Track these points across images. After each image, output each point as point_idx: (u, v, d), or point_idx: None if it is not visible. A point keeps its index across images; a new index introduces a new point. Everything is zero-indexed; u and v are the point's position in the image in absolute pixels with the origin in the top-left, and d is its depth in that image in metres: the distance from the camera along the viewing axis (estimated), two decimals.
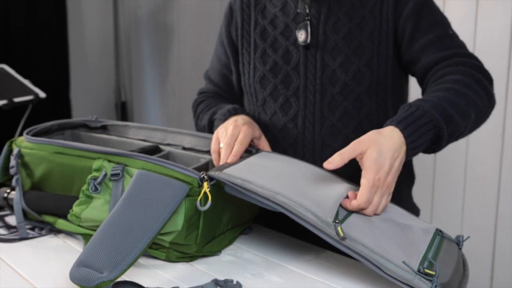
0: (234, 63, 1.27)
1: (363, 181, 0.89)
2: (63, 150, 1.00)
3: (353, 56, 1.12)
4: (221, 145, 1.05)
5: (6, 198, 1.06)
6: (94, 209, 0.93)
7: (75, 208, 0.94)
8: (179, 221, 0.86)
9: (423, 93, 1.11)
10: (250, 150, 1.08)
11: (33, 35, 3.11)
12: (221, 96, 1.32)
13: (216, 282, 0.82)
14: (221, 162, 1.02)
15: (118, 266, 0.75)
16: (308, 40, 1.13)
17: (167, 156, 1.12)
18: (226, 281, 0.83)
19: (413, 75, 1.16)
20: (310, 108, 1.15)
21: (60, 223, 0.99)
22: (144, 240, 0.79)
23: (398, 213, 0.94)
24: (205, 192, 0.86)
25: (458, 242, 0.94)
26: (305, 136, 1.16)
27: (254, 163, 0.97)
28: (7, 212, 1.14)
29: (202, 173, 0.87)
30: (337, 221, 0.82)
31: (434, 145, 0.98)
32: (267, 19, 1.20)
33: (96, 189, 0.93)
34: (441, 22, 1.12)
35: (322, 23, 1.13)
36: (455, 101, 0.97)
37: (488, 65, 1.12)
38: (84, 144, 1.00)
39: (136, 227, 0.80)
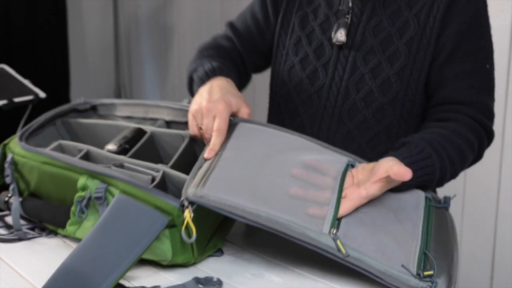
0: (272, 28, 1.19)
1: (357, 199, 0.85)
2: (51, 161, 0.97)
3: (385, 62, 1.06)
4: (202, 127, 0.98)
5: (7, 202, 1.05)
6: (86, 229, 0.91)
7: (69, 228, 0.93)
8: (167, 251, 0.84)
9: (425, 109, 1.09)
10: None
11: (33, 35, 3.11)
12: (229, 50, 1.21)
13: (197, 280, 0.82)
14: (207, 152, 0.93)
15: None
16: (344, 40, 1.08)
17: (152, 138, 1.10)
18: (206, 278, 0.82)
19: (427, 93, 1.09)
20: (330, 110, 1.10)
21: (61, 231, 0.98)
22: (113, 275, 0.74)
23: (388, 190, 0.91)
24: (188, 222, 0.81)
25: (446, 205, 0.93)
26: (318, 138, 1.08)
27: (232, 162, 0.90)
28: (7, 212, 1.13)
29: (183, 200, 0.82)
30: (334, 232, 0.80)
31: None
32: (311, 6, 1.14)
33: (83, 212, 0.91)
34: (484, 51, 1.06)
35: (362, 24, 1.08)
36: (457, 165, 0.99)
37: None
38: (69, 158, 0.97)
39: (107, 260, 0.75)
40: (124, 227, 0.80)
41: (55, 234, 1.03)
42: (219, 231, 0.96)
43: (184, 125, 1.12)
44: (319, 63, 1.11)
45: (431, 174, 0.93)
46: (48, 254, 0.95)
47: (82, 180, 0.91)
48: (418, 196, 0.93)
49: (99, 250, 0.77)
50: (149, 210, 0.82)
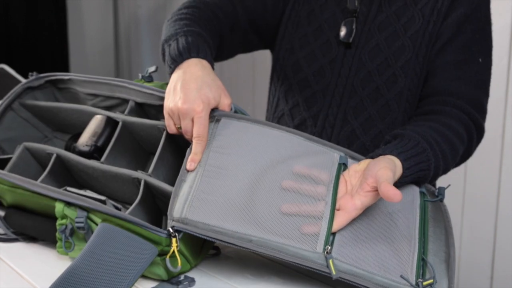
0: (279, 10, 1.13)
1: (352, 211, 0.81)
2: (20, 188, 0.90)
3: (391, 58, 1.05)
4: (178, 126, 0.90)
5: None
6: (78, 252, 0.86)
7: (59, 250, 0.88)
8: (162, 275, 0.82)
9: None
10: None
11: (33, 35, 3.11)
12: (211, 14, 1.09)
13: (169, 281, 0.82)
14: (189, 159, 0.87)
15: None
16: (351, 39, 1.06)
17: (125, 130, 1.00)
18: (178, 277, 0.82)
19: None
20: (334, 108, 1.08)
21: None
22: None
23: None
24: (174, 252, 0.79)
25: (441, 197, 0.92)
26: (321, 137, 1.09)
27: (216, 171, 0.85)
28: None
29: (168, 230, 0.79)
30: (327, 250, 0.78)
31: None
32: (319, 1, 1.12)
33: (69, 242, 0.86)
34: (478, 45, 1.04)
35: (369, 21, 1.06)
36: (448, 159, 0.95)
37: None
38: (36, 184, 0.89)
39: (102, 285, 0.71)
40: (112, 256, 0.75)
41: None
42: None
43: (158, 108, 1.00)
44: (325, 60, 1.09)
45: (425, 170, 0.90)
46: (48, 254, 0.95)
47: (59, 208, 0.85)
48: (413, 192, 0.91)
49: (88, 280, 0.72)
50: (137, 239, 0.78)
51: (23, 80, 2.22)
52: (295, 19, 1.13)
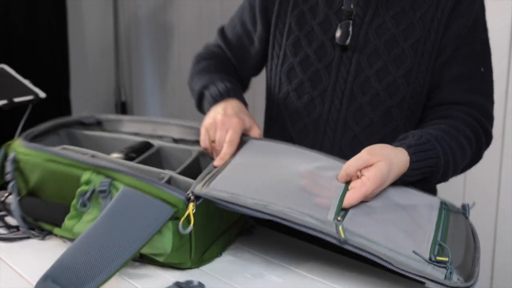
0: (259, 37, 1.17)
1: (361, 187, 0.84)
2: (55, 158, 0.98)
3: (391, 64, 1.03)
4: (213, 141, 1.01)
5: (3, 202, 1.05)
6: (85, 223, 0.91)
7: (67, 222, 0.93)
8: (167, 244, 0.84)
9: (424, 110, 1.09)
10: None
11: (33, 35, 3.11)
12: (225, 60, 1.22)
13: (178, 284, 0.81)
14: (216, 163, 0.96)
15: (85, 286, 0.71)
16: (348, 42, 1.05)
17: (158, 152, 1.10)
18: (187, 282, 0.82)
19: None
20: (334, 114, 1.07)
21: (57, 230, 0.98)
22: (117, 262, 0.75)
23: (400, 192, 0.90)
24: (188, 214, 0.82)
25: (464, 212, 0.91)
26: (323, 144, 1.09)
27: (242, 165, 0.93)
28: (4, 212, 1.13)
29: (188, 193, 0.84)
30: (338, 219, 0.80)
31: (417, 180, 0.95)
32: (308, 3, 1.10)
33: (85, 205, 0.91)
34: (480, 54, 1.06)
35: (365, 24, 1.05)
36: (458, 158, 0.98)
37: None
38: (75, 154, 0.98)
39: (111, 247, 0.76)
40: (130, 217, 0.80)
41: (55, 235, 1.03)
42: (218, 242, 0.95)
43: (193, 143, 1.13)
44: (321, 65, 1.08)
45: (434, 166, 0.93)
46: (48, 254, 0.95)
47: (86, 175, 0.92)
48: (432, 199, 0.91)
49: (104, 239, 0.77)
50: (154, 201, 0.83)
51: (23, 80, 2.21)
52: (283, 26, 1.12)
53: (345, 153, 1.05)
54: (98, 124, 1.26)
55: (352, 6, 1.05)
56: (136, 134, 1.20)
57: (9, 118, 2.52)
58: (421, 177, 0.94)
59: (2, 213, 1.13)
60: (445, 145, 0.94)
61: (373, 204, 0.85)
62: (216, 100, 1.08)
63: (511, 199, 1.89)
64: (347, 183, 0.88)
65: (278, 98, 1.15)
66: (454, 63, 1.04)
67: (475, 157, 1.06)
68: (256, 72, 1.27)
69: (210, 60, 1.22)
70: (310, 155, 0.98)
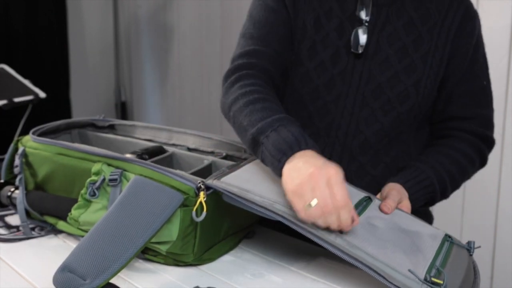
0: (286, 32, 1.08)
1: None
2: (66, 152, 0.99)
3: (402, 73, 1.05)
4: (312, 203, 0.78)
5: (10, 197, 1.06)
6: (92, 213, 0.93)
7: (74, 212, 0.94)
8: (173, 231, 0.85)
9: (434, 116, 1.14)
10: None
11: (33, 35, 3.11)
12: (269, 81, 1.06)
13: None
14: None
15: (102, 274, 0.73)
16: (361, 50, 1.05)
17: (171, 157, 1.11)
18: None
19: (435, 105, 1.13)
20: (347, 118, 1.07)
21: (61, 224, 0.99)
22: (131, 249, 0.76)
23: (406, 219, 0.92)
24: (200, 202, 0.84)
25: (469, 248, 0.92)
26: (334, 147, 1.08)
27: (255, 169, 0.94)
28: (7, 212, 1.14)
29: (199, 182, 0.85)
30: (340, 230, 0.80)
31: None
32: (323, 7, 1.09)
33: (94, 194, 0.92)
34: (482, 70, 1.12)
35: (377, 31, 1.06)
36: (456, 177, 1.09)
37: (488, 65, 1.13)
38: (86, 146, 0.99)
39: (125, 235, 0.78)
40: (142, 205, 0.82)
41: (55, 234, 1.03)
42: (224, 243, 0.96)
43: (207, 153, 1.13)
44: (336, 71, 1.07)
45: (432, 192, 1.05)
46: (48, 254, 0.96)
47: (97, 166, 0.93)
48: (437, 231, 0.92)
49: (118, 227, 0.79)
50: (166, 188, 0.85)
51: (23, 80, 2.21)
52: (299, 29, 1.09)
53: (355, 156, 1.08)
54: (111, 128, 1.27)
55: (364, 12, 1.06)
56: (149, 140, 1.20)
57: (9, 118, 2.52)
58: (423, 203, 1.06)
59: (2, 213, 1.13)
60: (440, 170, 1.05)
61: (377, 224, 0.86)
62: (292, 152, 0.85)
63: (511, 199, 1.89)
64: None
65: (288, 102, 1.11)
66: (464, 81, 1.10)
67: (479, 166, 1.15)
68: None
69: (253, 88, 0.99)
70: None
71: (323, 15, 1.08)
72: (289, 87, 1.12)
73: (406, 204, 0.97)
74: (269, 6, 1.09)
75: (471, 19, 1.08)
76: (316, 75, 1.08)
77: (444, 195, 1.08)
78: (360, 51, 1.05)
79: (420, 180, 1.03)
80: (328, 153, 1.08)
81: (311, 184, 0.79)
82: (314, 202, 0.78)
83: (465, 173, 1.11)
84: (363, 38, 1.05)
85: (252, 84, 1.00)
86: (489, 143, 1.14)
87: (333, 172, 0.80)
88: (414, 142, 1.12)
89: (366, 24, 1.06)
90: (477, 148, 1.12)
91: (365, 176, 1.08)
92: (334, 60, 1.07)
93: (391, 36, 1.06)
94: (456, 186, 1.10)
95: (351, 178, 1.02)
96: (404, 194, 0.99)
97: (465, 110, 1.11)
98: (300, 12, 1.08)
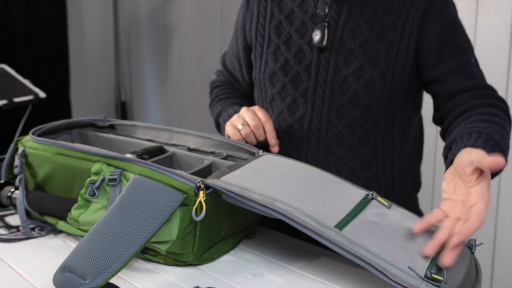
0: (243, 56, 1.27)
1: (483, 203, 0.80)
2: (65, 152, 0.99)
3: (367, 65, 1.10)
4: (240, 126, 1.10)
5: (10, 197, 1.06)
6: (92, 213, 0.93)
7: (73, 212, 0.94)
8: (173, 230, 0.85)
9: (437, 110, 1.14)
10: (253, 152, 1.07)
11: (33, 35, 3.11)
12: (231, 85, 1.34)
13: None
14: (249, 140, 1.09)
15: (102, 274, 0.73)
16: (324, 43, 1.11)
17: (171, 157, 1.11)
18: None
19: (430, 93, 1.15)
20: (318, 112, 1.13)
21: (61, 224, 0.99)
22: (131, 249, 0.76)
23: (407, 217, 0.92)
24: (200, 202, 0.84)
25: (470, 246, 0.92)
26: (309, 140, 1.15)
27: (254, 169, 0.94)
28: (7, 212, 1.14)
29: (199, 182, 0.85)
30: (339, 227, 0.80)
31: None
32: (284, 12, 1.17)
33: (93, 193, 0.92)
34: (466, 48, 1.12)
35: (340, 27, 1.11)
36: (503, 133, 0.98)
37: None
38: (86, 146, 0.99)
39: (125, 234, 0.78)
40: (142, 204, 0.82)
41: (55, 234, 1.03)
42: (223, 243, 0.96)
43: (208, 154, 1.14)
44: (301, 67, 1.14)
45: (501, 150, 0.93)
46: (48, 254, 0.96)
47: (97, 166, 0.93)
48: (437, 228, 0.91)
49: (118, 227, 0.79)
50: (165, 188, 0.85)
51: (23, 80, 2.21)
52: (262, 38, 1.20)
53: (331, 149, 1.14)
54: (111, 128, 1.27)
55: (326, 9, 1.12)
56: (150, 140, 1.21)
57: (9, 118, 2.52)
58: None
59: (2, 213, 1.13)
60: (494, 134, 0.94)
61: (377, 221, 0.86)
62: (230, 117, 1.16)
63: (511, 199, 1.89)
64: (353, 209, 0.88)
65: (265, 102, 1.21)
66: (446, 60, 1.10)
67: (509, 120, 1.07)
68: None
69: (222, 86, 1.33)
70: (328, 177, 0.98)
71: (284, 20, 1.17)
72: (263, 89, 1.20)
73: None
74: (233, 37, 1.30)
75: (437, 3, 1.10)
76: (283, 73, 1.16)
77: (507, 145, 0.98)
78: (323, 45, 1.11)
79: (486, 140, 0.93)
80: (305, 146, 1.15)
81: (240, 116, 1.12)
82: (241, 126, 1.10)
83: (509, 132, 1.03)
84: (324, 32, 1.11)
85: (218, 90, 1.34)
86: (504, 101, 1.09)
87: (255, 107, 1.13)
88: (399, 135, 1.16)
89: (327, 20, 1.11)
90: (500, 106, 1.06)
91: (344, 169, 1.13)
92: (299, 58, 1.14)
93: (354, 30, 1.11)
94: (508, 147, 0.99)
95: (330, 171, 1.08)
96: (462, 157, 0.86)
97: (462, 84, 1.09)
98: (259, 27, 1.21)
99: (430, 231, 0.89)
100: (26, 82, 2.16)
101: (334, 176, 0.98)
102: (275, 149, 1.10)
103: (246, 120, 1.10)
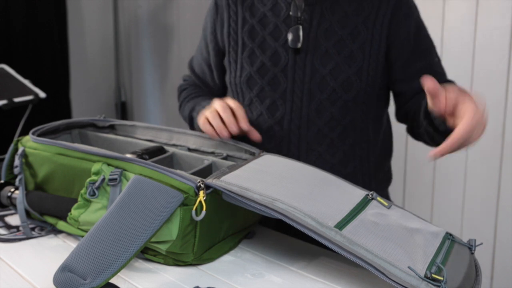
0: (214, 61, 1.27)
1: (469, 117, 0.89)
2: (65, 152, 0.99)
3: (343, 64, 1.13)
4: (209, 114, 1.11)
5: (10, 197, 1.06)
6: (92, 213, 0.93)
7: (74, 212, 0.94)
8: (173, 230, 0.85)
9: (400, 108, 1.22)
10: (253, 152, 1.07)
11: (33, 35, 3.11)
12: (201, 88, 1.35)
13: None
14: (221, 131, 1.08)
15: (102, 274, 0.73)
16: (299, 45, 1.13)
17: (171, 157, 1.11)
18: None
19: (396, 91, 1.21)
20: (297, 112, 1.16)
21: (61, 224, 0.99)
22: (131, 249, 0.76)
23: (407, 217, 0.92)
24: (200, 201, 0.84)
25: (470, 246, 0.92)
26: (290, 140, 1.17)
27: (254, 169, 0.95)
28: (7, 212, 1.14)
29: (199, 182, 0.86)
30: (339, 227, 0.80)
31: None
32: (256, 17, 1.19)
33: (94, 193, 0.92)
34: (433, 47, 1.20)
35: (314, 28, 1.14)
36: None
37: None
38: (86, 146, 0.99)
39: (125, 234, 0.78)
40: (142, 204, 0.82)
41: (55, 234, 1.03)
42: (223, 243, 0.96)
43: (208, 154, 1.14)
44: (277, 69, 1.16)
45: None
46: (48, 254, 0.96)
47: (97, 166, 0.93)
48: (438, 229, 0.92)
49: (118, 227, 0.79)
50: (165, 188, 0.85)
51: (23, 80, 2.21)
52: (235, 44, 1.21)
53: (312, 146, 1.17)
54: (111, 128, 1.27)
55: (299, 12, 1.14)
56: (150, 141, 1.21)
57: (9, 118, 2.52)
58: None
59: (2, 213, 1.13)
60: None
61: (377, 221, 0.86)
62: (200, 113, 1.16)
63: (511, 199, 1.89)
64: (355, 208, 0.89)
65: (243, 105, 1.21)
66: (414, 60, 1.17)
67: None
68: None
69: (189, 88, 1.34)
70: (327, 177, 0.98)
71: (257, 24, 1.19)
72: (240, 93, 1.22)
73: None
74: (201, 42, 1.31)
75: (405, 3, 1.15)
76: (259, 76, 1.18)
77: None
78: (298, 46, 1.14)
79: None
80: (286, 146, 1.17)
81: (211, 106, 1.12)
82: (209, 113, 1.10)
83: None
84: (298, 34, 1.14)
85: (188, 91, 1.34)
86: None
87: (227, 98, 1.13)
88: (373, 131, 1.20)
89: (300, 21, 1.14)
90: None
91: (325, 165, 1.16)
92: (274, 60, 1.16)
93: (328, 31, 1.14)
94: None
95: None
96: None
97: None
98: (231, 33, 1.21)
99: (430, 232, 0.89)
100: (26, 82, 2.16)
101: (334, 176, 0.98)
102: (255, 135, 1.12)
103: (216, 109, 1.11)
